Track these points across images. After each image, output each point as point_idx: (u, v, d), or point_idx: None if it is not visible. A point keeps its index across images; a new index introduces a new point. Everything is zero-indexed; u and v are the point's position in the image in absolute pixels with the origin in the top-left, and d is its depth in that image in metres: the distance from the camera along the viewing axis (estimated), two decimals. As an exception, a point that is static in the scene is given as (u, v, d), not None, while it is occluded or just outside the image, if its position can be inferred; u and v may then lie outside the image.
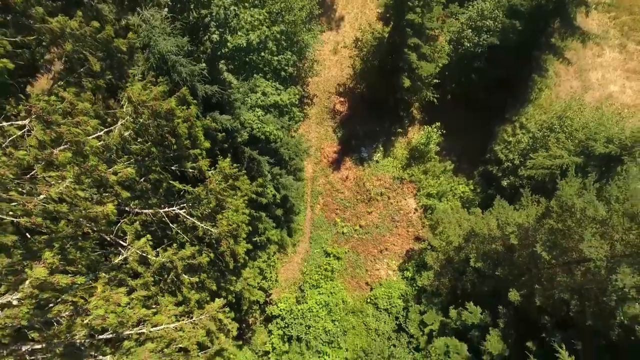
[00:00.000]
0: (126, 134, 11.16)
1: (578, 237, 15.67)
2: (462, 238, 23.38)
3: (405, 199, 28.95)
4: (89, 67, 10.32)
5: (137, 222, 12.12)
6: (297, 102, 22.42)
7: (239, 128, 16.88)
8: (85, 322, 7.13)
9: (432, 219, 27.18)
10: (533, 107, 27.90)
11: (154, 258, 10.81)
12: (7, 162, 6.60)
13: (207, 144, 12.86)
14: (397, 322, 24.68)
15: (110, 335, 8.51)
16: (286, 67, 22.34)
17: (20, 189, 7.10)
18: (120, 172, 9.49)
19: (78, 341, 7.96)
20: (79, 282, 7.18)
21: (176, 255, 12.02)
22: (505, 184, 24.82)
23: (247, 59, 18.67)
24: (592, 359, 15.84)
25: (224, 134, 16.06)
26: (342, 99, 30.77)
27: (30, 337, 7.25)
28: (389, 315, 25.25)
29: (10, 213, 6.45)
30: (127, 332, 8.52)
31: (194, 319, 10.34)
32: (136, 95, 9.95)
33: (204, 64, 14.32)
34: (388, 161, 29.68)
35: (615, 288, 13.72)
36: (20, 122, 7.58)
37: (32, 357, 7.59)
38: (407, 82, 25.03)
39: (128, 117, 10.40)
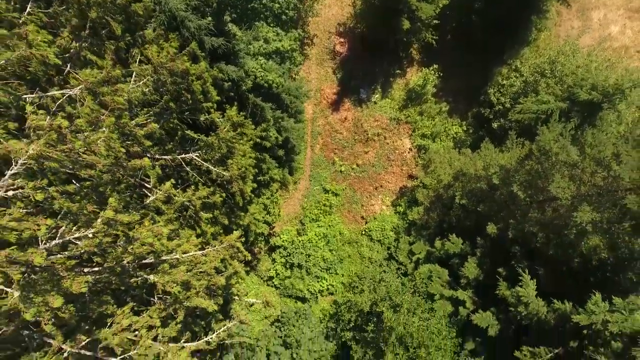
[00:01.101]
0: (146, 90, 12.68)
1: (551, 178, 17.67)
2: (451, 177, 25.50)
3: (401, 139, 30.66)
4: (109, 30, 11.56)
5: (158, 167, 14.05)
6: (297, 48, 23.25)
7: (244, 77, 18.17)
8: (134, 249, 9.28)
9: (425, 158, 29.15)
10: (530, 49, 28.59)
11: (177, 198, 12.88)
12: (69, 126, 8.26)
13: (217, 97, 14.35)
14: (389, 252, 27.64)
15: (150, 261, 10.77)
16: (287, 11, 22.90)
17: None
18: (146, 127, 11.18)
19: (126, 264, 10.21)
20: (134, 219, 9.23)
21: (194, 195, 14.10)
22: (496, 126, 26.39)
23: (249, 6, 19.36)
24: (554, 283, 18.60)
25: (230, 83, 17.43)
26: (342, 40, 31.23)
27: (94, 261, 9.45)
28: (382, 246, 28.17)
29: (76, 167, 8.23)
30: (164, 257, 10.77)
31: (216, 247, 12.62)
32: (156, 57, 11.35)
33: (209, 18, 15.37)
34: (386, 102, 30.93)
35: (576, 223, 15.97)
36: (70, 92, 9.12)
37: (92, 277, 9.85)
38: (406, 24, 25.59)
39: (149, 77, 11.85)
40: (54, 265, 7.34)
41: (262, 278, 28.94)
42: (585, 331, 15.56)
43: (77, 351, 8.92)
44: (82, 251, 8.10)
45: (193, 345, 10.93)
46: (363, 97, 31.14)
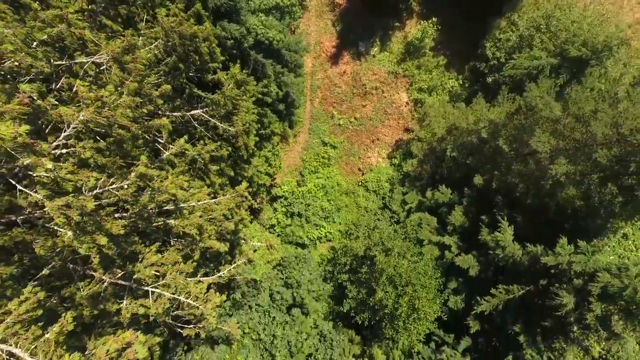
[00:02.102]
0: (156, 51, 13.84)
1: (533, 133, 19.14)
2: (444, 130, 26.92)
3: (398, 93, 31.68)
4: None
5: (169, 123, 15.48)
6: (296, 2, 23.74)
7: (245, 34, 19.09)
8: (158, 198, 10.98)
9: (420, 112, 30.38)
10: (528, 3, 28.83)
11: (189, 152, 14.44)
12: (99, 91, 9.60)
13: (222, 57, 15.49)
14: (383, 202, 29.63)
15: (169, 208, 12.52)
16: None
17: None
18: (160, 88, 12.51)
19: (150, 210, 11.97)
20: (161, 174, 10.84)
21: (203, 149, 15.66)
22: (490, 80, 27.37)
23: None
24: (530, 230, 20.63)
25: (232, 41, 18.40)
26: (341, -10, 31.31)
27: (125, 208, 11.19)
28: (377, 196, 30.13)
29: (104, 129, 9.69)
30: (182, 205, 12.51)
31: (227, 196, 14.37)
32: (166, 22, 12.44)
33: (212, -23, 16.14)
34: (384, 55, 31.60)
35: (552, 175, 17.66)
36: (97, 60, 10.36)
37: (122, 220, 11.63)
38: (405, -24, 25.87)
39: (160, 40, 12.98)
40: (98, 211, 9.02)
41: (264, 226, 31.13)
42: (552, 271, 17.74)
43: (115, 281, 10.87)
44: (117, 199, 9.78)
45: (209, 279, 12.95)
46: (362, 51, 31.76)
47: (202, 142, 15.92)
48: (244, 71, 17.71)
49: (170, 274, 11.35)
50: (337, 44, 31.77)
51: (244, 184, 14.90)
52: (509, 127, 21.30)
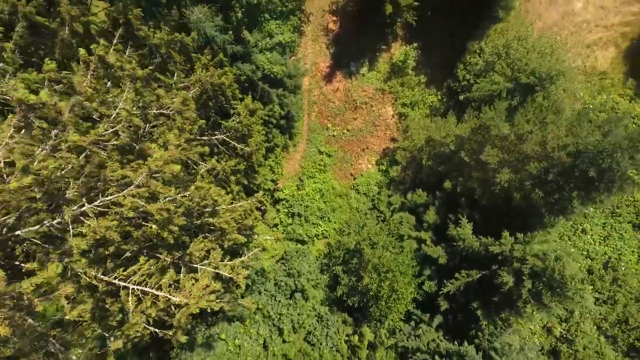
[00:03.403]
0: (192, 92, 19.26)
1: (485, 148, 24.56)
2: (423, 140, 32.35)
3: (385, 107, 37.11)
4: (170, 56, 17.94)
5: (199, 146, 20.88)
6: (296, 39, 29.12)
7: (255, 70, 24.52)
8: (204, 202, 16.25)
9: (404, 124, 35.80)
10: (497, 29, 34.21)
11: (217, 167, 19.86)
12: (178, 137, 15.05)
13: (240, 95, 20.93)
14: (372, 203, 35.06)
15: (209, 209, 17.89)
16: (287, 4, 28.60)
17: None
18: (196, 123, 17.91)
19: (197, 210, 17.35)
20: (207, 185, 16.26)
21: (226, 164, 21.07)
22: (462, 98, 32.82)
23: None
24: (486, 225, 26.04)
25: (245, 77, 23.84)
26: (334, 18, 36.71)
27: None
28: (367, 198, 35.55)
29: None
30: (217, 207, 17.85)
31: (248, 200, 19.78)
32: (204, 76, 17.84)
33: (230, 32, 21.57)
34: (372, 74, 37.02)
35: (498, 181, 23.08)
36: (165, 111, 15.72)
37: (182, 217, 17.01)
38: (389, 9, 31.27)
39: (197, 89, 18.38)
40: (169, 209, 14.30)
41: (268, 225, 36.50)
42: (499, 257, 23.19)
43: (175, 261, 16.16)
44: (180, 204, 15.09)
45: (237, 260, 18.28)
46: (353, 70, 37.15)
47: (224, 159, 21.34)
48: (255, 101, 23.14)
49: (212, 255, 16.74)
50: (331, 64, 37.16)
51: (260, 192, 20.31)
52: (471, 141, 26.74)
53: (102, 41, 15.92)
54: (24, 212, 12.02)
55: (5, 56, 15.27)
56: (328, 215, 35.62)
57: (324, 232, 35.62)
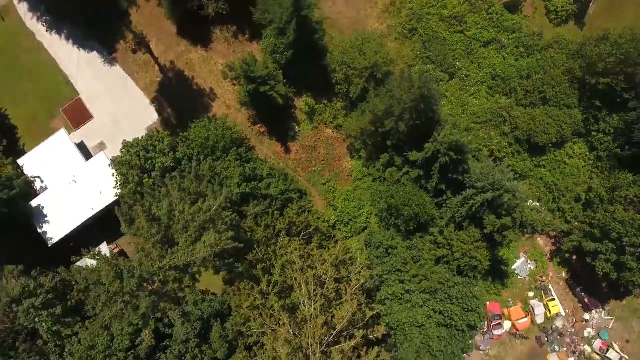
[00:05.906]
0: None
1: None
2: (358, 130, 53.92)
3: (325, 131, 58.66)
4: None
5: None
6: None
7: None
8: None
9: (344, 130, 57.36)
10: (333, 44, 55.07)
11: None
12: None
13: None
14: (371, 177, 56.87)
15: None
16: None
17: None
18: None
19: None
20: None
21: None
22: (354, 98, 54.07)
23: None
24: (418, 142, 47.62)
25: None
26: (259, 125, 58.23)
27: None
28: (367, 177, 57.44)
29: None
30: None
31: (338, 248, 41.77)
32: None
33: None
34: (302, 127, 58.50)
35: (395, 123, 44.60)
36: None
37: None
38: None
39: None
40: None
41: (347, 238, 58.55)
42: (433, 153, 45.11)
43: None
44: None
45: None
46: (290, 134, 58.62)
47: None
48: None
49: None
50: (286, 147, 58.56)
51: (344, 248, 42.18)
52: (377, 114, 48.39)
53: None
54: None
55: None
56: (361, 204, 57.42)
57: (367, 212, 57.42)
